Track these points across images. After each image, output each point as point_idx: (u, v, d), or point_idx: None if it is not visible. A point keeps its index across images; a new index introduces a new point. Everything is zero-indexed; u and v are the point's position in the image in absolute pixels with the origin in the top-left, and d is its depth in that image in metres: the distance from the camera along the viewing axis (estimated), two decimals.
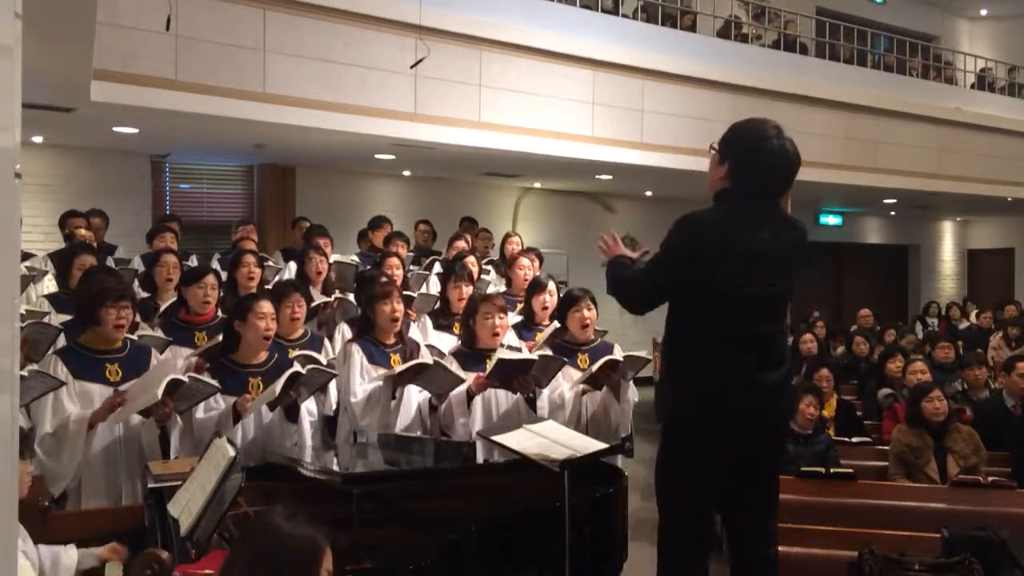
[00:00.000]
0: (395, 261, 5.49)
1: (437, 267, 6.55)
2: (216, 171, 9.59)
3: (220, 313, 4.39)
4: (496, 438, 3.09)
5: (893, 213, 15.86)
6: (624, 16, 9.38)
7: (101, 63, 5.68)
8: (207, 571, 2.28)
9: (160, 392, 3.19)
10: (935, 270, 17.39)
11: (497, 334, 4.06)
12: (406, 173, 10.35)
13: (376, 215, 7.69)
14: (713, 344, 2.75)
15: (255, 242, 6.48)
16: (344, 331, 4.52)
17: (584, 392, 4.00)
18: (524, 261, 5.50)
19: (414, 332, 4.55)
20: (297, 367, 3.51)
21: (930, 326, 11.50)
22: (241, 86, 6.55)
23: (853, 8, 13.44)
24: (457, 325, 4.57)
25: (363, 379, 3.89)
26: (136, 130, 7.28)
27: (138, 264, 6.09)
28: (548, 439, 3.05)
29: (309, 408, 3.74)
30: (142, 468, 3.31)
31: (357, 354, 3.94)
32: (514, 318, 4.72)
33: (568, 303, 4.23)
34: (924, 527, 3.91)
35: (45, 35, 4.30)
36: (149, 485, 2.99)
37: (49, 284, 5.39)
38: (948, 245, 17.68)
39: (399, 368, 3.72)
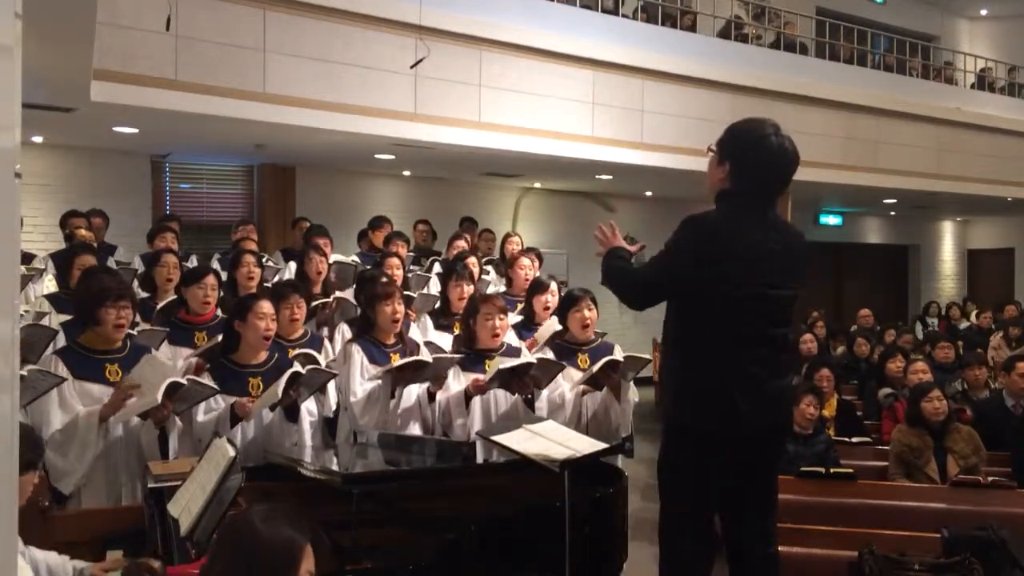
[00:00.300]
0: (395, 261, 5.49)
1: (437, 267, 6.55)
2: (216, 171, 9.59)
3: (220, 313, 4.38)
4: (496, 438, 3.09)
5: (893, 213, 15.86)
6: (624, 16, 9.37)
7: (101, 63, 5.68)
8: None
9: (160, 395, 3.19)
10: (935, 270, 17.40)
11: (497, 335, 4.06)
12: (406, 173, 10.35)
13: (376, 215, 7.68)
14: (714, 345, 2.75)
15: (255, 242, 6.48)
16: (344, 331, 4.52)
17: (584, 392, 4.00)
18: (525, 261, 5.50)
19: (414, 332, 4.55)
20: (297, 367, 3.52)
21: (930, 326, 11.50)
22: (241, 86, 6.54)
23: (853, 8, 13.44)
24: (457, 325, 4.57)
25: (363, 378, 3.89)
26: (136, 130, 7.28)
27: (138, 264, 6.09)
28: (548, 439, 3.05)
29: (309, 408, 3.74)
30: (142, 468, 3.31)
31: (357, 354, 3.94)
32: (514, 318, 4.71)
33: (569, 303, 4.24)
34: (924, 527, 3.91)
35: (45, 35, 4.30)
36: (149, 485, 2.98)
37: (49, 284, 5.39)
38: (948, 245, 17.68)
39: (398, 363, 3.72)
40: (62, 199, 7.97)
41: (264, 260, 5.73)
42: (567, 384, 4.04)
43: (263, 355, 3.70)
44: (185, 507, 2.54)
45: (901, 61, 12.46)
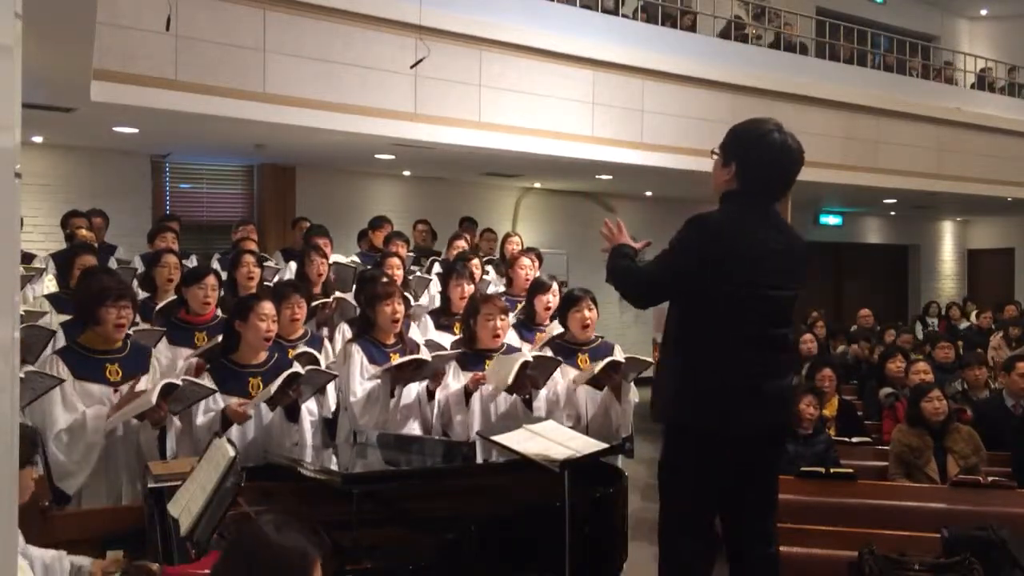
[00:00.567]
0: (396, 261, 5.50)
1: (437, 267, 6.55)
2: (216, 171, 9.59)
3: (220, 313, 4.38)
4: (496, 438, 3.09)
5: (893, 213, 15.86)
6: (624, 16, 9.37)
7: (101, 63, 5.68)
8: (205, 572, 2.27)
9: (154, 397, 3.19)
10: (935, 270, 17.39)
11: (498, 335, 4.06)
12: (406, 173, 10.35)
13: (376, 215, 7.68)
14: (716, 345, 2.76)
15: (255, 242, 6.47)
16: (344, 331, 4.52)
17: (576, 382, 3.99)
18: (525, 261, 5.50)
19: (414, 332, 4.55)
20: (297, 367, 3.52)
21: (930, 326, 11.49)
22: (241, 86, 6.54)
23: (853, 8, 13.44)
24: (458, 325, 4.57)
25: (363, 378, 3.89)
26: (136, 130, 7.28)
27: (138, 264, 6.09)
28: (548, 439, 3.05)
29: (309, 408, 3.74)
30: (142, 468, 3.31)
31: (357, 354, 3.94)
32: (514, 318, 4.71)
33: (569, 303, 4.24)
34: (924, 527, 3.91)
35: (45, 35, 4.30)
36: (149, 485, 2.99)
37: (49, 284, 5.39)
38: (948, 245, 17.68)
39: (397, 361, 3.72)
40: (62, 199, 7.97)
41: (264, 261, 5.73)
42: (563, 381, 4.04)
43: (263, 355, 3.70)
44: (185, 507, 2.54)
45: (901, 61, 12.46)
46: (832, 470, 4.54)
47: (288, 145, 8.13)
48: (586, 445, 3.04)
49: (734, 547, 2.96)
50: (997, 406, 5.49)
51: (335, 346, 4.50)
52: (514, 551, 2.90)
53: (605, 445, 3.12)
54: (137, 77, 6.04)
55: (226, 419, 3.46)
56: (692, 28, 10.07)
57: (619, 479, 3.35)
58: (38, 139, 7.90)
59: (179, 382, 3.32)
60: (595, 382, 3.93)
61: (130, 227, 8.12)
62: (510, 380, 3.71)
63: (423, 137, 7.53)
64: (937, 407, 4.81)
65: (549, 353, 4.07)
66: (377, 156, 8.75)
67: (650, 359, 4.18)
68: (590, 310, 4.19)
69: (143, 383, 3.51)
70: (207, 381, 3.48)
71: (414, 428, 3.89)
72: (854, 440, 5.45)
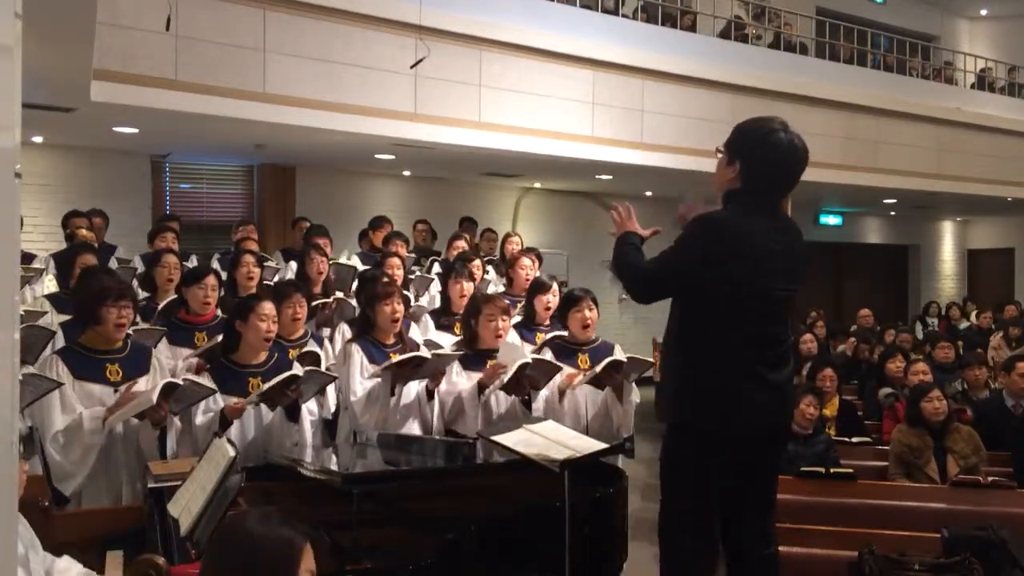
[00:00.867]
0: (396, 261, 5.50)
1: (437, 267, 6.55)
2: (216, 171, 9.59)
3: (220, 313, 4.38)
4: (496, 438, 3.09)
5: (893, 213, 15.86)
6: (624, 16, 9.38)
7: (101, 63, 5.68)
8: None
9: (155, 396, 3.19)
10: (935, 270, 17.39)
11: (500, 335, 4.07)
12: (406, 173, 10.35)
13: (376, 215, 7.69)
14: (716, 344, 2.76)
15: (255, 242, 6.48)
16: (344, 331, 4.53)
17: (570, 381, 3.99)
18: (526, 261, 5.50)
19: (414, 332, 4.56)
20: (296, 369, 3.52)
21: (930, 326, 11.49)
22: (241, 86, 6.55)
23: (853, 8, 13.44)
24: (458, 326, 4.57)
25: (363, 377, 3.89)
26: (136, 130, 7.28)
27: (138, 264, 6.10)
28: (548, 439, 3.05)
29: (310, 408, 3.74)
30: (142, 468, 3.31)
31: (357, 354, 3.93)
32: (514, 318, 4.71)
33: (569, 303, 4.24)
34: (924, 527, 3.90)
35: (45, 35, 4.30)
36: (149, 485, 2.99)
37: (49, 284, 5.39)
38: (948, 245, 17.68)
39: (397, 359, 3.72)
40: (62, 199, 7.97)
41: (264, 261, 5.73)
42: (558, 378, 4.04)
43: (263, 355, 3.70)
44: (185, 507, 2.53)
45: (901, 61, 12.46)
46: (832, 470, 4.53)
47: (288, 145, 8.13)
48: (586, 445, 3.04)
49: (733, 547, 2.96)
50: (997, 406, 5.49)
51: (335, 346, 4.50)
52: (514, 551, 2.90)
53: (605, 445, 3.12)
54: (137, 77, 6.04)
55: (225, 419, 3.46)
56: (692, 28, 10.07)
57: (619, 479, 3.35)
58: (38, 139, 7.90)
59: (180, 382, 3.32)
60: (596, 382, 3.93)
61: (130, 227, 8.12)
62: (507, 378, 3.71)
63: (423, 137, 7.53)
64: (937, 407, 4.81)
65: (549, 353, 4.07)
66: (377, 156, 8.75)
67: (651, 359, 4.18)
68: (590, 310, 4.19)
69: (141, 384, 3.51)
70: (207, 381, 3.48)
71: (414, 427, 3.89)
72: (854, 440, 5.44)
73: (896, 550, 3.64)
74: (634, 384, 4.07)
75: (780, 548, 3.03)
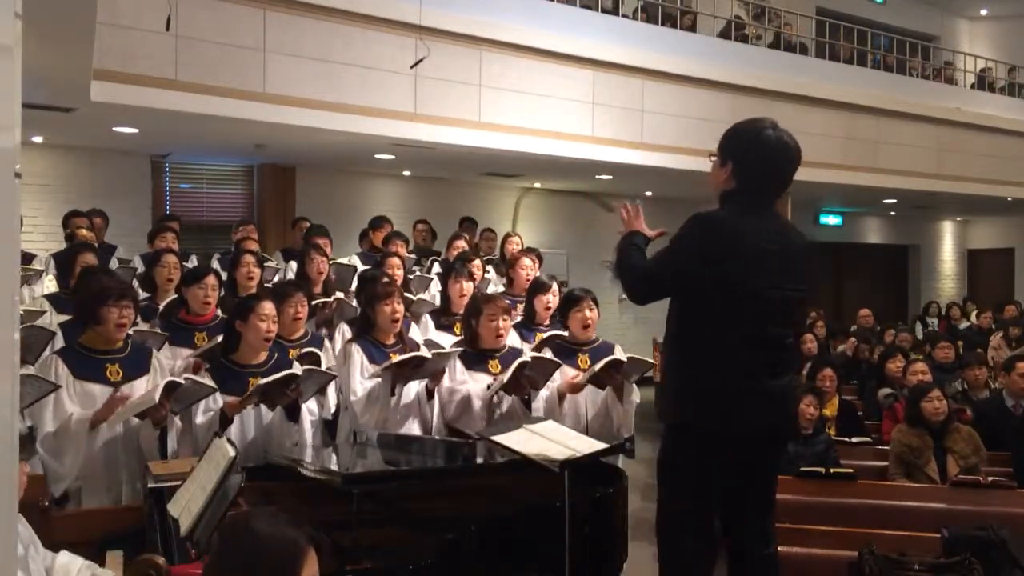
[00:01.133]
0: (396, 261, 5.50)
1: (437, 267, 6.55)
2: (216, 171, 9.59)
3: (220, 313, 4.38)
4: (496, 438, 3.09)
5: (893, 213, 15.86)
6: (624, 16, 9.38)
7: (101, 63, 5.68)
8: None
9: (157, 395, 3.19)
10: (935, 270, 17.39)
11: (501, 335, 4.07)
12: (406, 173, 10.35)
13: (377, 215, 7.69)
14: (715, 344, 2.76)
15: (255, 242, 6.48)
16: (344, 331, 4.52)
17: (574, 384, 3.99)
18: (526, 261, 5.50)
19: (414, 332, 4.55)
20: (296, 368, 3.52)
21: (930, 326, 11.49)
22: (241, 86, 6.55)
23: (853, 8, 13.44)
24: (459, 326, 4.57)
25: (363, 377, 3.89)
26: (136, 130, 7.28)
27: (138, 264, 6.10)
28: (548, 439, 3.05)
29: (310, 407, 3.74)
30: (142, 468, 3.31)
31: (357, 354, 3.93)
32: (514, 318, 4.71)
33: (570, 303, 4.24)
34: (924, 527, 3.90)
35: (45, 35, 4.30)
36: (149, 485, 2.99)
37: (49, 284, 5.39)
38: (948, 245, 17.68)
39: (397, 359, 3.73)
40: (62, 199, 7.97)
41: (264, 261, 5.73)
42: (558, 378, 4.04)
43: (263, 355, 3.70)
44: (185, 507, 2.53)
45: (901, 61, 12.46)
46: (832, 470, 4.53)
47: (288, 145, 8.13)
48: (586, 445, 3.04)
49: (734, 547, 2.96)
50: (997, 406, 5.49)
51: (335, 346, 4.50)
52: (514, 551, 2.90)
53: (605, 445, 3.11)
54: (137, 77, 6.04)
55: (224, 418, 3.46)
56: (692, 28, 10.07)
57: (619, 479, 3.34)
58: (38, 139, 7.90)
59: (182, 381, 3.32)
60: (597, 382, 3.93)
61: (130, 227, 8.13)
62: (506, 378, 3.71)
63: (423, 137, 7.53)
64: (937, 407, 4.81)
65: (549, 353, 4.06)
66: (377, 156, 8.75)
67: (651, 360, 4.18)
68: (591, 310, 4.19)
69: (140, 385, 3.51)
70: (206, 380, 3.48)
71: (414, 427, 3.89)
72: (854, 440, 5.44)
73: (896, 550, 3.64)
74: (634, 384, 4.07)
75: (780, 548, 3.03)
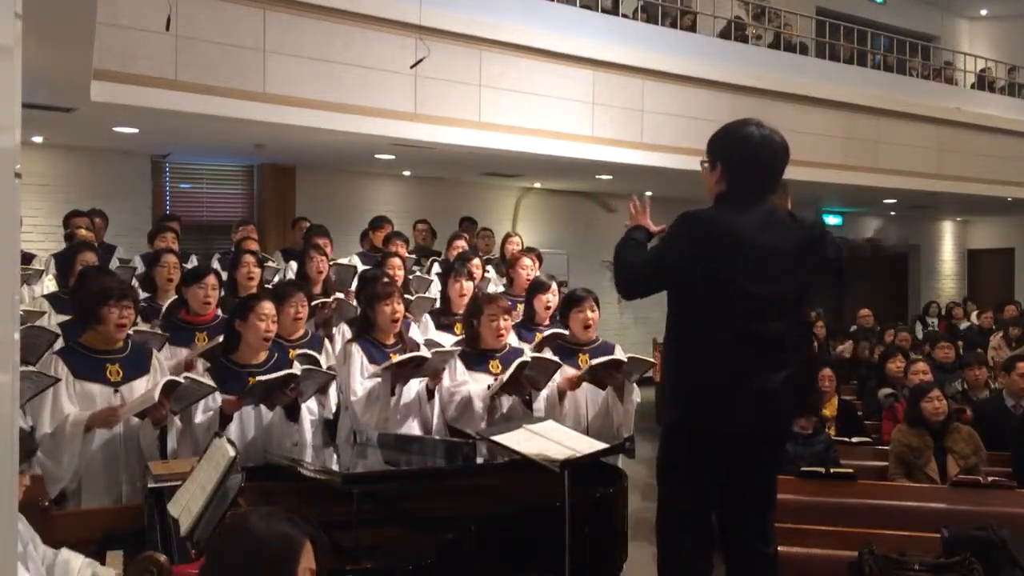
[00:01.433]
0: (397, 262, 5.50)
1: (436, 267, 6.55)
2: (216, 171, 9.59)
3: (220, 313, 4.38)
4: (496, 438, 3.09)
5: (893, 213, 15.86)
6: (624, 16, 9.38)
7: (101, 63, 5.68)
8: None
9: (157, 394, 3.19)
10: (935, 270, 17.39)
11: (502, 335, 4.06)
12: (406, 173, 10.35)
13: (377, 215, 7.69)
14: (706, 342, 2.77)
15: (255, 242, 6.48)
16: (344, 332, 4.52)
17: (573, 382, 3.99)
18: (526, 261, 5.51)
19: (414, 332, 4.55)
20: (296, 367, 3.52)
21: (930, 326, 11.49)
22: (241, 86, 6.55)
23: (853, 8, 13.44)
24: (459, 326, 4.57)
25: (363, 377, 3.89)
26: (136, 130, 7.28)
27: (138, 264, 6.10)
28: (548, 439, 3.05)
29: (310, 407, 3.74)
30: (142, 468, 3.31)
31: (357, 354, 3.93)
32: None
33: (571, 303, 4.24)
34: (924, 527, 3.91)
35: (45, 35, 4.30)
36: (149, 485, 2.99)
37: (49, 284, 5.39)
38: (948, 245, 17.68)
39: (397, 359, 3.73)
40: (62, 199, 7.97)
41: (265, 261, 5.73)
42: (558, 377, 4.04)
43: (263, 355, 3.70)
44: (185, 507, 2.54)
45: (901, 61, 12.46)
46: (832, 470, 4.53)
47: (288, 145, 8.13)
48: (586, 445, 3.04)
49: (732, 546, 2.96)
50: (997, 406, 5.49)
51: (335, 346, 4.50)
52: (514, 551, 2.90)
53: (605, 445, 3.11)
54: (137, 77, 6.04)
55: (224, 417, 3.46)
56: (692, 28, 10.07)
57: (619, 479, 3.34)
58: (38, 139, 7.90)
59: (181, 380, 3.32)
60: (597, 381, 3.93)
61: (130, 227, 8.13)
62: (505, 378, 3.71)
63: (423, 137, 7.53)
64: (937, 407, 4.81)
65: (549, 353, 4.06)
66: (377, 156, 8.75)
67: (651, 359, 4.17)
68: (592, 311, 4.19)
69: (140, 386, 3.51)
70: (206, 379, 3.48)
71: (414, 427, 3.89)
72: (854, 440, 5.44)
73: (896, 550, 3.64)
74: (635, 384, 4.07)
75: (780, 548, 3.03)
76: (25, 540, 2.29)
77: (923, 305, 13.45)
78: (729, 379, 2.73)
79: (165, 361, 3.99)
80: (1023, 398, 5.40)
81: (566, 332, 4.31)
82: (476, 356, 4.06)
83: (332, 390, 3.91)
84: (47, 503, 3.07)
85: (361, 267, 6.02)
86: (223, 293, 4.62)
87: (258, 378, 3.41)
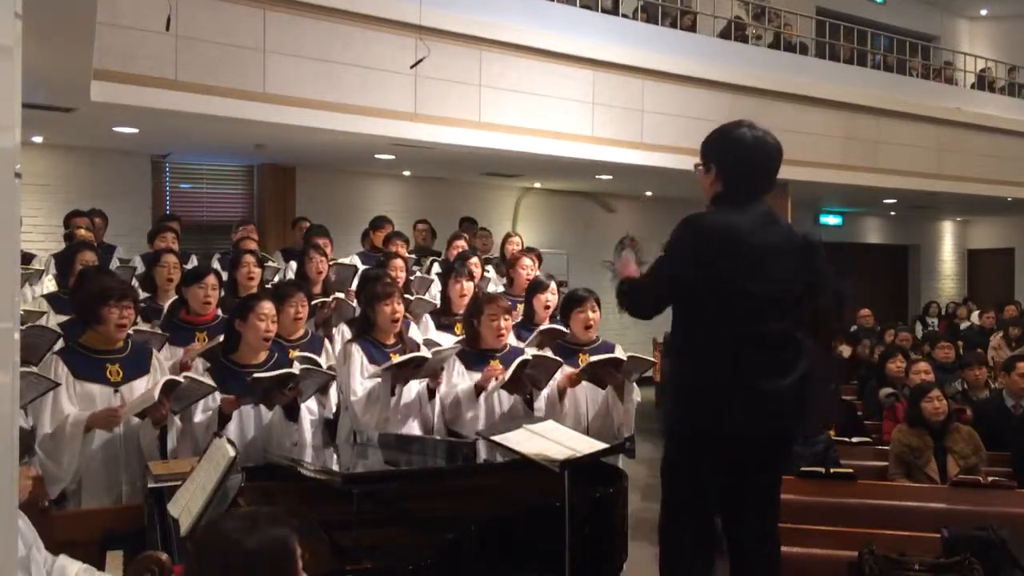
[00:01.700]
0: (399, 263, 5.50)
1: (436, 267, 6.55)
2: (216, 171, 9.59)
3: (220, 313, 4.38)
4: (496, 438, 3.09)
5: (893, 213, 15.86)
6: (624, 16, 9.38)
7: (101, 63, 5.68)
8: None
9: (157, 393, 3.19)
10: (935, 270, 17.40)
11: (502, 335, 4.06)
12: (406, 173, 10.35)
13: (377, 215, 7.69)
14: (706, 343, 2.77)
15: (255, 242, 6.48)
16: (344, 332, 4.52)
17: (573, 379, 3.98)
18: (526, 261, 5.51)
19: (414, 332, 4.55)
20: (296, 367, 3.52)
21: (930, 326, 11.49)
22: (241, 86, 6.55)
23: (853, 8, 13.45)
24: (459, 326, 4.57)
25: (363, 377, 3.89)
26: (136, 130, 7.28)
27: (138, 264, 6.10)
28: (548, 439, 3.05)
29: (310, 407, 3.74)
30: (142, 468, 3.31)
31: (357, 354, 3.93)
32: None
33: (572, 303, 4.23)
34: (924, 527, 3.91)
35: (45, 35, 4.30)
36: (149, 485, 2.99)
37: (49, 284, 5.39)
38: (948, 245, 17.68)
39: (397, 360, 3.73)
40: (62, 199, 7.97)
41: (265, 261, 5.73)
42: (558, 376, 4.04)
43: (263, 355, 3.70)
44: (185, 507, 2.54)
45: (901, 61, 12.46)
46: (832, 470, 4.54)
47: (288, 145, 8.13)
48: (586, 445, 3.04)
49: (734, 546, 2.96)
50: (997, 406, 5.49)
51: (334, 347, 4.50)
52: (514, 551, 2.90)
53: (605, 445, 3.12)
54: (137, 77, 6.04)
55: (222, 417, 3.46)
56: (692, 28, 10.07)
57: (619, 479, 3.34)
58: (38, 139, 7.90)
59: (181, 379, 3.32)
60: (597, 380, 3.93)
61: (130, 227, 8.13)
62: (506, 377, 3.71)
63: (423, 137, 7.53)
64: (937, 407, 4.81)
65: (549, 351, 4.06)
66: (377, 156, 8.75)
67: (652, 359, 4.17)
68: (593, 311, 4.19)
69: (140, 386, 3.50)
70: (205, 379, 3.48)
71: (414, 427, 3.89)
72: (854, 440, 5.45)
73: (896, 550, 3.64)
74: (635, 384, 4.07)
75: (780, 548, 3.03)
76: (28, 542, 2.29)
77: (923, 305, 13.45)
78: (729, 379, 2.73)
79: (165, 361, 3.99)
80: (1023, 398, 5.40)
81: (562, 328, 4.31)
82: (476, 356, 4.05)
83: (332, 390, 3.91)
84: (47, 503, 3.07)
85: (361, 267, 6.02)
86: (223, 293, 4.62)
87: (255, 375, 3.40)
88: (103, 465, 3.41)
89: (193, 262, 6.08)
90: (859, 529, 3.89)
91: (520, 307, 4.91)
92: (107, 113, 6.44)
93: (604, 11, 9.14)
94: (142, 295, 4.73)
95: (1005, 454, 5.06)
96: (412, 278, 5.91)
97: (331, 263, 5.65)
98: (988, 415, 5.41)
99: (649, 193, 11.96)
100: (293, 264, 6.08)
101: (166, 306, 4.63)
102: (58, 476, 3.30)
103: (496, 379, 3.87)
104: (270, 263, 6.18)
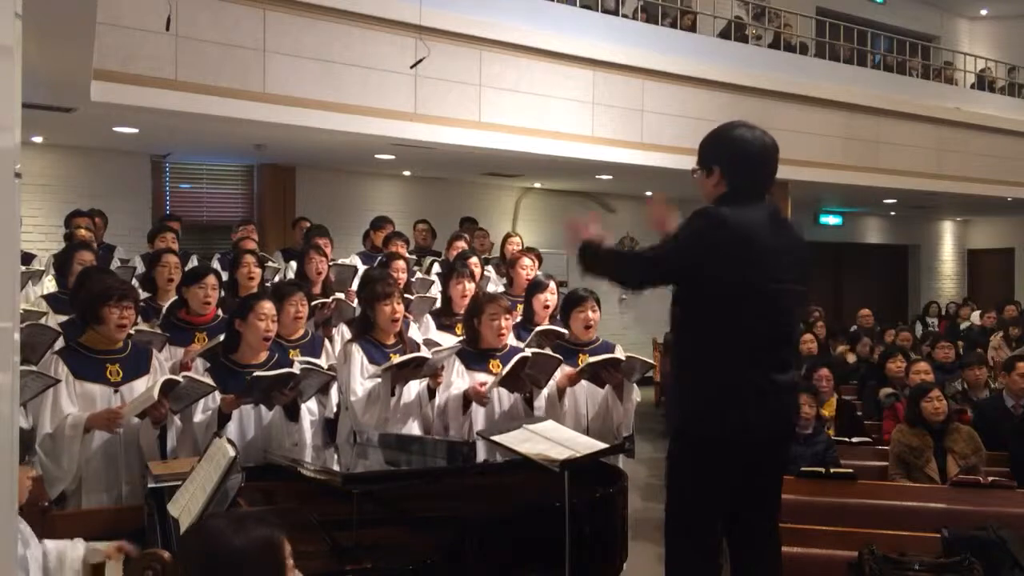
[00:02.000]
0: (401, 264, 5.50)
1: (436, 267, 6.55)
2: (216, 171, 9.59)
3: (221, 313, 4.39)
4: (496, 438, 3.09)
5: (893, 213, 15.87)
6: (624, 16, 9.38)
7: (101, 63, 5.68)
8: None
9: (156, 393, 3.19)
10: (935, 270, 17.40)
11: (502, 335, 4.06)
12: (406, 173, 10.35)
13: (378, 215, 7.69)
14: (711, 344, 2.75)
15: (255, 242, 6.48)
16: (344, 332, 4.52)
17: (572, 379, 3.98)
18: (526, 261, 5.50)
19: (415, 332, 4.55)
20: (296, 367, 3.52)
21: (930, 326, 11.50)
22: (241, 86, 6.55)
23: (853, 8, 13.45)
24: (459, 326, 4.56)
25: (363, 377, 3.89)
26: (136, 130, 7.28)
27: (138, 264, 6.10)
28: (548, 439, 3.05)
29: (310, 407, 3.74)
30: (142, 468, 3.31)
31: (357, 354, 3.93)
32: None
33: (573, 303, 4.23)
34: (924, 527, 3.91)
35: (45, 35, 4.30)
36: (149, 485, 2.99)
37: (48, 284, 5.39)
38: (948, 245, 17.68)
39: (397, 360, 3.73)
40: (62, 199, 7.98)
41: (265, 261, 5.73)
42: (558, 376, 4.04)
43: (263, 355, 3.70)
44: (185, 507, 2.53)
45: (901, 61, 12.47)
46: (832, 470, 4.54)
47: (288, 145, 8.13)
48: (586, 445, 3.04)
49: (735, 547, 2.96)
50: (997, 406, 5.49)
51: (334, 347, 4.50)
52: (514, 551, 2.90)
53: (605, 445, 3.11)
54: (137, 77, 6.05)
55: (222, 416, 3.45)
56: (692, 28, 10.08)
57: (619, 479, 3.34)
58: (38, 139, 7.90)
59: (180, 379, 3.32)
60: (597, 380, 3.93)
61: (130, 227, 8.14)
62: (504, 373, 3.71)
63: (423, 137, 7.53)
64: (937, 407, 4.81)
65: (549, 351, 4.06)
66: (377, 156, 8.76)
67: (652, 360, 4.17)
68: (594, 311, 4.19)
69: (140, 385, 3.50)
70: (205, 378, 3.48)
71: (414, 427, 3.89)
72: (854, 440, 5.44)
73: (896, 550, 3.65)
74: (635, 384, 4.07)
75: (781, 548, 3.03)
76: (25, 539, 2.29)
77: (923, 305, 13.46)
78: (738, 381, 2.71)
79: (165, 361, 3.99)
80: (1023, 398, 5.40)
81: (560, 329, 4.31)
82: (477, 356, 4.05)
83: (332, 390, 3.91)
84: (47, 503, 3.07)
85: (362, 267, 6.02)
86: (223, 293, 4.62)
87: (256, 374, 3.40)
88: (103, 465, 3.41)
89: (193, 262, 6.07)
90: (859, 529, 3.89)
91: (520, 307, 4.91)
92: (107, 113, 6.44)
93: (604, 11, 9.14)
94: (142, 295, 4.73)
95: (1005, 454, 5.06)
96: (412, 279, 5.92)
97: (331, 263, 5.65)
98: (988, 415, 5.42)
99: (649, 193, 11.97)
100: (293, 264, 6.08)
101: (166, 306, 4.63)
102: (58, 476, 3.30)
103: (484, 398, 3.85)
104: (270, 263, 6.18)
